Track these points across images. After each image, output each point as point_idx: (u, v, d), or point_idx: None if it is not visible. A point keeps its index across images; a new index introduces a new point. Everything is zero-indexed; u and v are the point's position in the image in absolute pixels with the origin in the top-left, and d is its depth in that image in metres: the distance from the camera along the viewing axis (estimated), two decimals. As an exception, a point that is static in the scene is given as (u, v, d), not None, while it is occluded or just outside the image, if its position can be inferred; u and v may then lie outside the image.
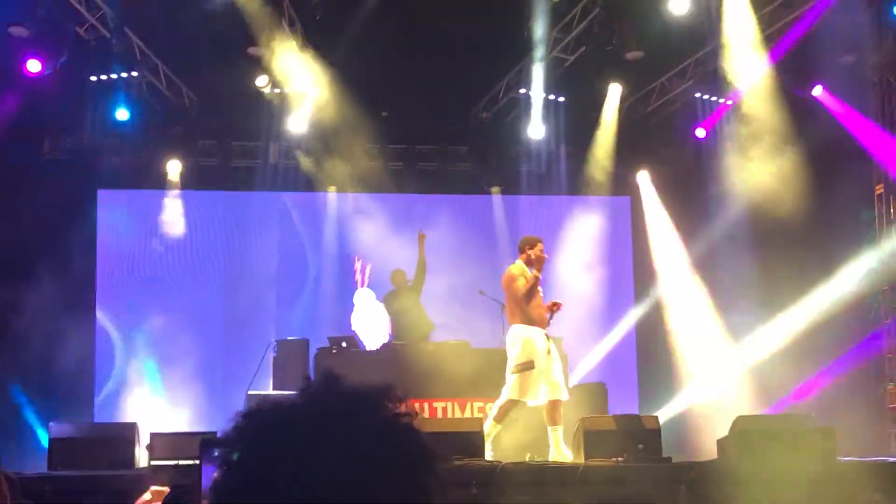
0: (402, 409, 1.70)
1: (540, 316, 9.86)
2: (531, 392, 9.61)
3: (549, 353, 9.73)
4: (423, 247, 13.23)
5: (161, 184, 15.27)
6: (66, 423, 10.02)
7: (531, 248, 10.12)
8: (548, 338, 9.84)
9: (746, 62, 14.15)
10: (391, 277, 13.52)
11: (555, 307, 9.99)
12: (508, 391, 9.69)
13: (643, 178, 16.05)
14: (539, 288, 9.93)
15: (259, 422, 1.65)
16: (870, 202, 15.08)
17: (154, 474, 8.18)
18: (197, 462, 7.71)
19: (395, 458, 1.62)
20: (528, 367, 9.59)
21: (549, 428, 9.64)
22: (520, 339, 9.73)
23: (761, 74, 14.21)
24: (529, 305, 9.84)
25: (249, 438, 1.64)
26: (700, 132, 15.38)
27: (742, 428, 9.11)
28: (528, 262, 10.04)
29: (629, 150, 15.79)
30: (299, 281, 15.62)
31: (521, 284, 9.88)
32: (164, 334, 15.10)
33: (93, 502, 8.02)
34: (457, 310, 15.51)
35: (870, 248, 15.05)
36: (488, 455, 9.32)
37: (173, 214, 15.38)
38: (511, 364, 9.75)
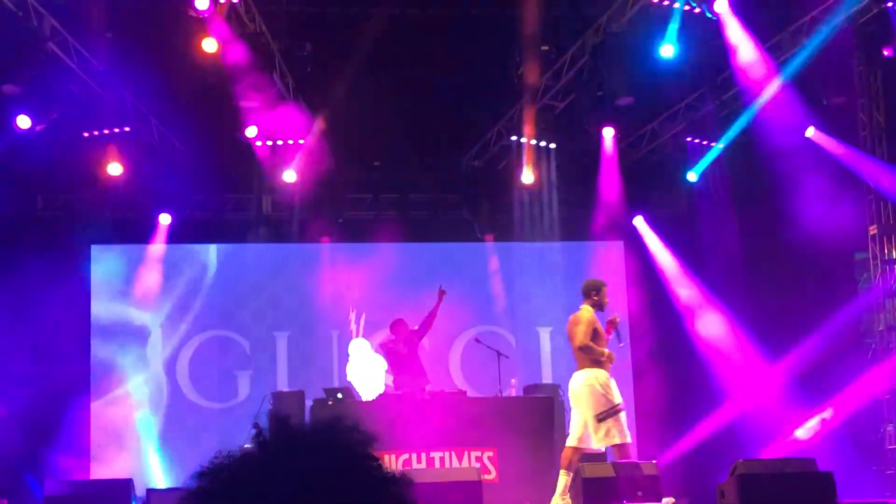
0: (358, 435, 1.69)
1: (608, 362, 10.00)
2: (623, 433, 9.72)
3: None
4: (440, 302, 13.18)
5: (154, 238, 15.24)
6: (60, 481, 9.94)
7: (597, 293, 10.23)
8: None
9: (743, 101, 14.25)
10: (391, 327, 13.46)
11: (612, 325, 10.19)
12: (616, 437, 9.71)
13: (640, 222, 16.02)
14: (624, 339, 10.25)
15: (217, 479, 1.63)
16: (864, 243, 15.13)
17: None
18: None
19: (351, 486, 1.61)
20: (616, 410, 9.71)
21: (562, 471, 9.69)
22: (599, 384, 9.79)
23: (753, 116, 14.27)
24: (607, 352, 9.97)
25: (210, 496, 1.62)
26: (692, 176, 15.41)
27: (741, 472, 9.06)
28: (595, 307, 10.15)
29: (622, 195, 15.80)
30: (295, 332, 15.55)
31: (582, 331, 9.98)
32: (157, 387, 15.05)
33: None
34: (454, 359, 15.50)
35: (864, 287, 15.09)
36: None
37: (165, 267, 15.36)
38: (597, 410, 9.75)
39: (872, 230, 15.10)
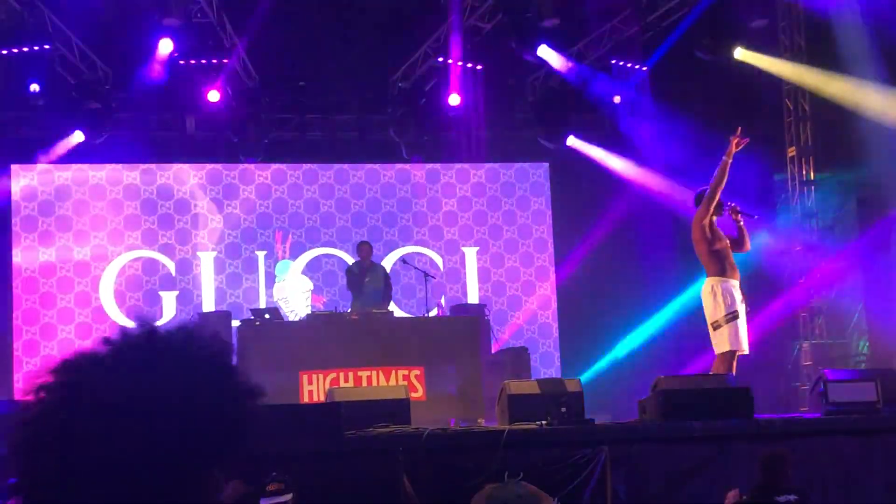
0: (217, 344, 1.69)
1: (731, 266, 9.75)
2: (739, 340, 9.61)
3: (742, 303, 9.69)
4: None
5: (76, 157, 15.02)
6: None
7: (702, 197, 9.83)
8: (740, 288, 9.73)
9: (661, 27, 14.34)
10: (359, 250, 13.50)
11: (734, 212, 9.82)
12: (725, 344, 9.63)
13: (573, 142, 16.00)
14: (722, 237, 9.73)
15: (68, 377, 1.62)
16: (782, 164, 15.41)
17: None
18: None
19: (207, 393, 1.62)
20: (734, 316, 9.58)
21: None
22: (719, 290, 9.63)
23: (676, 39, 14.37)
24: (719, 255, 9.72)
25: (60, 392, 1.61)
26: (616, 98, 15.51)
27: (662, 388, 9.26)
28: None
29: (547, 116, 15.89)
30: (220, 252, 15.49)
31: (695, 237, 9.75)
32: (82, 312, 14.95)
33: None
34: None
35: (783, 208, 15.40)
36: None
37: (90, 186, 15.17)
38: (715, 316, 9.67)
39: (791, 152, 15.40)
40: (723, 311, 9.67)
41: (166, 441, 1.57)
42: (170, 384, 1.60)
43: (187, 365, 1.64)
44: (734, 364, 9.75)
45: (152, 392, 1.59)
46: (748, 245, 10.05)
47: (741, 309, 9.69)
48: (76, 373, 1.63)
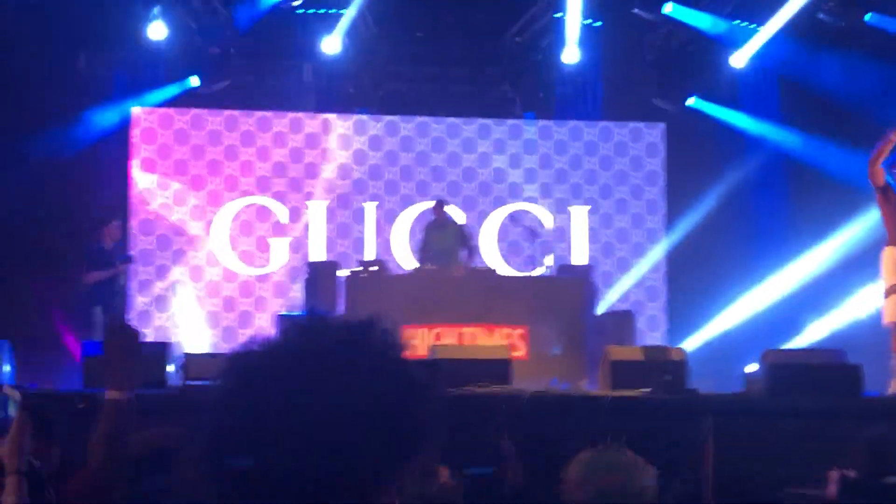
0: (394, 339, 1.68)
1: None
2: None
3: None
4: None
5: (194, 102, 15.25)
6: (97, 343, 10.12)
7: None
8: None
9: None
10: (434, 209, 13.49)
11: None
12: (889, 314, 9.29)
13: (693, 103, 15.71)
14: None
15: (245, 367, 1.63)
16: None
17: (185, 394, 8.28)
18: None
19: (386, 392, 1.60)
20: (893, 289, 9.27)
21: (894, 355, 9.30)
22: (890, 261, 9.32)
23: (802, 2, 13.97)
24: (893, 223, 9.30)
25: (237, 385, 1.62)
26: (738, 61, 15.16)
27: (770, 361, 9.12)
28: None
29: (665, 76, 15.63)
30: (332, 202, 15.60)
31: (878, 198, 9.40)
32: (196, 255, 15.22)
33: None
34: (488, 236, 15.56)
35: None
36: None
37: (207, 131, 15.40)
38: (886, 284, 9.36)
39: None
40: (892, 281, 9.30)
41: (345, 437, 1.56)
42: (348, 377, 1.59)
43: (365, 358, 1.63)
44: None
45: (330, 384, 1.58)
46: None
47: None
48: (252, 361, 1.63)
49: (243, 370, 1.63)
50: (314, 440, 1.55)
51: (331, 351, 1.63)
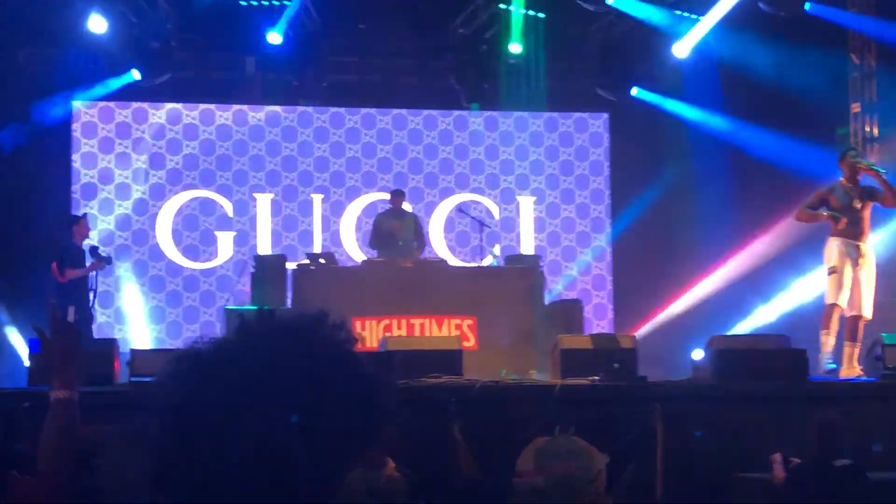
0: (343, 334, 1.67)
1: (843, 226, 9.91)
2: (835, 293, 9.87)
3: (856, 264, 9.91)
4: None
5: (136, 96, 15.09)
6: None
7: (840, 160, 10.19)
8: (857, 249, 9.94)
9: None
10: (392, 198, 13.42)
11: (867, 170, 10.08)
12: (828, 297, 9.99)
13: (636, 93, 15.82)
14: (854, 200, 9.96)
15: (194, 366, 1.61)
16: (844, 118, 15.15)
17: (133, 391, 8.22)
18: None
19: (337, 386, 1.60)
20: (830, 271, 9.92)
21: (844, 342, 9.79)
22: (833, 248, 9.95)
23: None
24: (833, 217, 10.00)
25: (187, 384, 1.60)
26: (680, 51, 15.27)
27: (716, 347, 9.22)
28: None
29: (608, 67, 15.71)
30: (277, 194, 15.54)
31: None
32: (140, 250, 15.08)
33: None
34: (436, 227, 15.59)
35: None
36: (825, 366, 9.65)
37: (149, 125, 15.26)
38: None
39: (855, 107, 15.12)
40: (832, 263, 9.96)
41: (294, 430, 1.55)
42: (297, 371, 1.58)
43: (315, 352, 1.62)
44: (831, 318, 9.89)
45: (280, 379, 1.57)
46: (890, 198, 10.04)
47: (843, 267, 9.86)
48: (199, 362, 1.62)
49: (192, 367, 1.61)
50: (266, 436, 1.53)
51: (281, 346, 1.62)
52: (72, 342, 3.24)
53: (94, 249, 12.23)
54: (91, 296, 11.89)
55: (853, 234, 9.93)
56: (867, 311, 9.92)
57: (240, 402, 1.55)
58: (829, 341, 9.85)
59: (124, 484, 1.65)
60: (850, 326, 9.89)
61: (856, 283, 9.88)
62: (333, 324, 1.67)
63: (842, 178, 10.12)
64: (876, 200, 10.08)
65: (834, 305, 9.88)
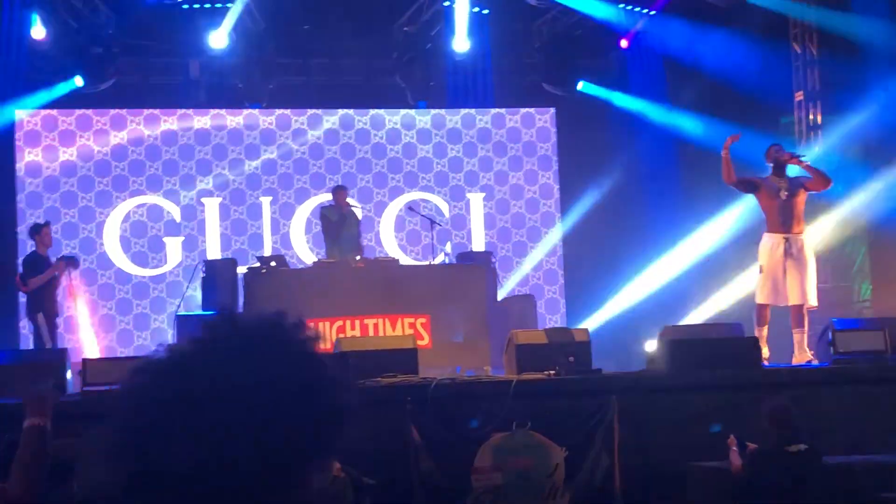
0: (306, 333, 1.65)
1: (773, 220, 10.13)
2: (762, 294, 10.10)
3: (787, 256, 10.01)
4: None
5: (80, 103, 14.92)
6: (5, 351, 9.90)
7: (766, 155, 10.34)
8: (787, 241, 10.04)
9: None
10: (335, 193, 13.29)
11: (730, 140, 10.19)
12: (757, 296, 10.27)
13: (583, 87, 15.88)
14: (781, 191, 10.10)
15: (156, 370, 1.60)
16: (789, 107, 15.31)
17: (86, 401, 8.12)
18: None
19: (302, 387, 1.58)
20: (760, 270, 10.15)
21: (792, 330, 9.96)
22: (765, 245, 10.15)
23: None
24: (767, 212, 10.23)
25: (148, 391, 1.58)
26: (623, 42, 15.37)
27: (669, 337, 9.28)
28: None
29: (553, 62, 15.76)
30: (225, 199, 15.43)
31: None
32: (88, 258, 14.91)
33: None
34: (387, 226, 15.56)
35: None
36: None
37: (94, 132, 15.09)
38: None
39: (799, 96, 15.29)
40: (762, 262, 10.18)
41: (260, 433, 1.53)
42: (260, 374, 1.56)
43: (277, 354, 1.60)
44: (761, 315, 10.13)
45: (243, 383, 1.55)
46: (819, 182, 10.25)
47: (766, 263, 10.07)
48: (162, 368, 1.60)
49: (154, 373, 1.59)
50: (232, 440, 1.52)
51: (243, 348, 1.60)
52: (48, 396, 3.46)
53: (65, 257, 12.13)
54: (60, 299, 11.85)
55: (784, 226, 10.10)
56: (811, 299, 10.05)
57: (203, 403, 1.54)
58: (762, 334, 10.03)
59: (99, 492, 1.62)
60: (794, 315, 10.04)
61: (793, 274, 10.01)
62: (294, 323, 1.65)
63: (770, 174, 10.31)
64: (807, 188, 10.24)
65: (763, 305, 10.16)
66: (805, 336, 9.97)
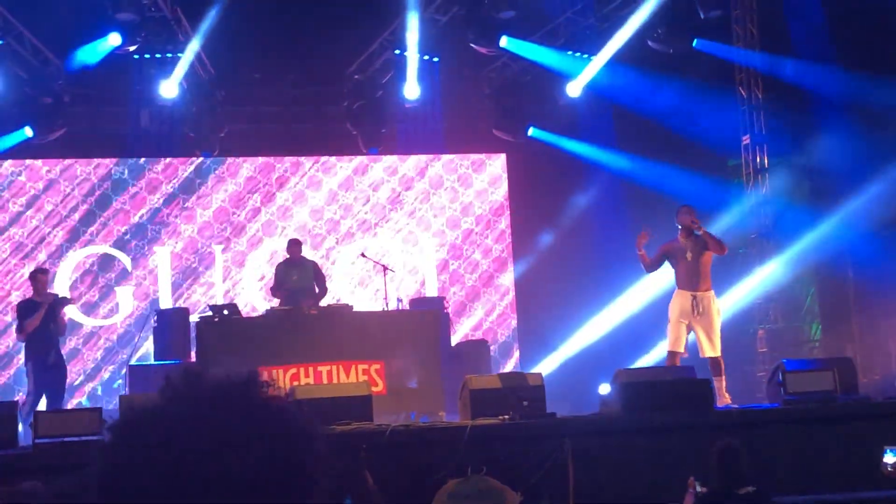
0: (271, 391, 1.64)
1: (681, 279, 10.83)
2: (668, 342, 10.82)
3: (694, 313, 10.66)
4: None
5: (29, 153, 14.84)
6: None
7: (676, 217, 10.99)
8: (694, 297, 10.69)
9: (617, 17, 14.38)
10: (289, 247, 13.25)
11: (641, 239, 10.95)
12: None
13: (533, 133, 16.04)
14: (687, 252, 10.78)
15: (125, 437, 1.59)
16: (736, 151, 15.54)
17: (38, 453, 8.03)
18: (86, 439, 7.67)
19: (274, 443, 1.57)
20: (668, 321, 10.83)
21: (713, 378, 10.31)
22: (675, 300, 10.85)
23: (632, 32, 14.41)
24: (675, 270, 10.93)
25: (119, 455, 1.57)
26: (573, 90, 15.54)
27: (622, 381, 9.34)
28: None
29: (503, 108, 15.92)
30: (177, 247, 15.38)
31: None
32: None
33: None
34: (339, 273, 15.55)
35: (736, 196, 15.49)
36: None
37: (44, 181, 15.01)
38: None
39: (745, 140, 15.52)
40: (670, 316, 10.90)
41: (233, 491, 1.52)
42: (230, 434, 1.56)
43: (256, 415, 1.60)
44: (671, 361, 10.73)
45: (214, 443, 1.54)
46: (715, 248, 10.85)
47: (677, 320, 10.77)
48: (132, 430, 1.59)
49: (129, 434, 1.60)
50: (214, 495, 1.52)
51: (217, 408, 1.60)
52: None
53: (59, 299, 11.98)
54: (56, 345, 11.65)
55: (690, 284, 10.74)
56: (717, 350, 10.66)
57: (178, 465, 1.53)
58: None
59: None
60: (711, 365, 10.64)
61: (701, 330, 10.67)
62: (264, 381, 1.64)
63: (679, 235, 10.96)
64: (709, 250, 10.83)
65: (671, 353, 10.77)
66: (724, 381, 10.60)
